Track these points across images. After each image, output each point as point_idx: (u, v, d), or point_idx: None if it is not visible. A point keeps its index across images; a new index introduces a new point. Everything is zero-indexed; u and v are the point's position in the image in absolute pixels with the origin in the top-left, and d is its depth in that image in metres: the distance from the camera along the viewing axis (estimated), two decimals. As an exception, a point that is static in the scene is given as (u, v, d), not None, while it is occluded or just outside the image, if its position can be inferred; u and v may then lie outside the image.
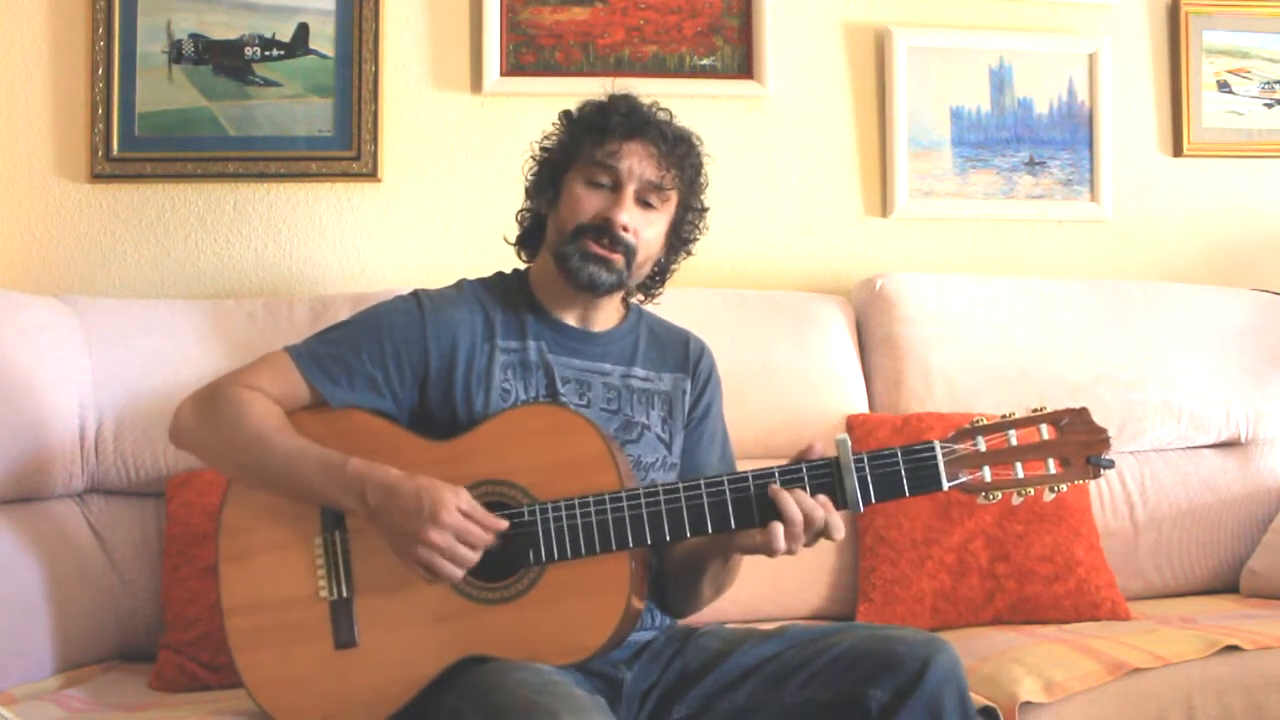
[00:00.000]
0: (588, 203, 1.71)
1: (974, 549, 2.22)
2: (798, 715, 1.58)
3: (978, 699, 1.71)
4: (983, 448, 1.55)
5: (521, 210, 1.86)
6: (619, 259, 1.70)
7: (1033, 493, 1.55)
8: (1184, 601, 2.36)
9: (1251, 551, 2.45)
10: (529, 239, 1.84)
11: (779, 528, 1.52)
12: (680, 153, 1.74)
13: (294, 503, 1.63)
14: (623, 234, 1.70)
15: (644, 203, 1.73)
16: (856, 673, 1.55)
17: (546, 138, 1.82)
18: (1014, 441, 1.55)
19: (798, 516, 1.52)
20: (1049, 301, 2.55)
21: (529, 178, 1.83)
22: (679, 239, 1.82)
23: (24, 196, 2.51)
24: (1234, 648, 1.85)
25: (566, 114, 1.80)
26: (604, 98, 1.77)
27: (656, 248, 1.77)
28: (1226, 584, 2.46)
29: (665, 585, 1.77)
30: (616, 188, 1.71)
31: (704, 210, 1.83)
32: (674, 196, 1.76)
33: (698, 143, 1.79)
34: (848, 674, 1.55)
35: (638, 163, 1.71)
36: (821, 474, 1.55)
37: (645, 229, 1.73)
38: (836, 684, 1.56)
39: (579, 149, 1.74)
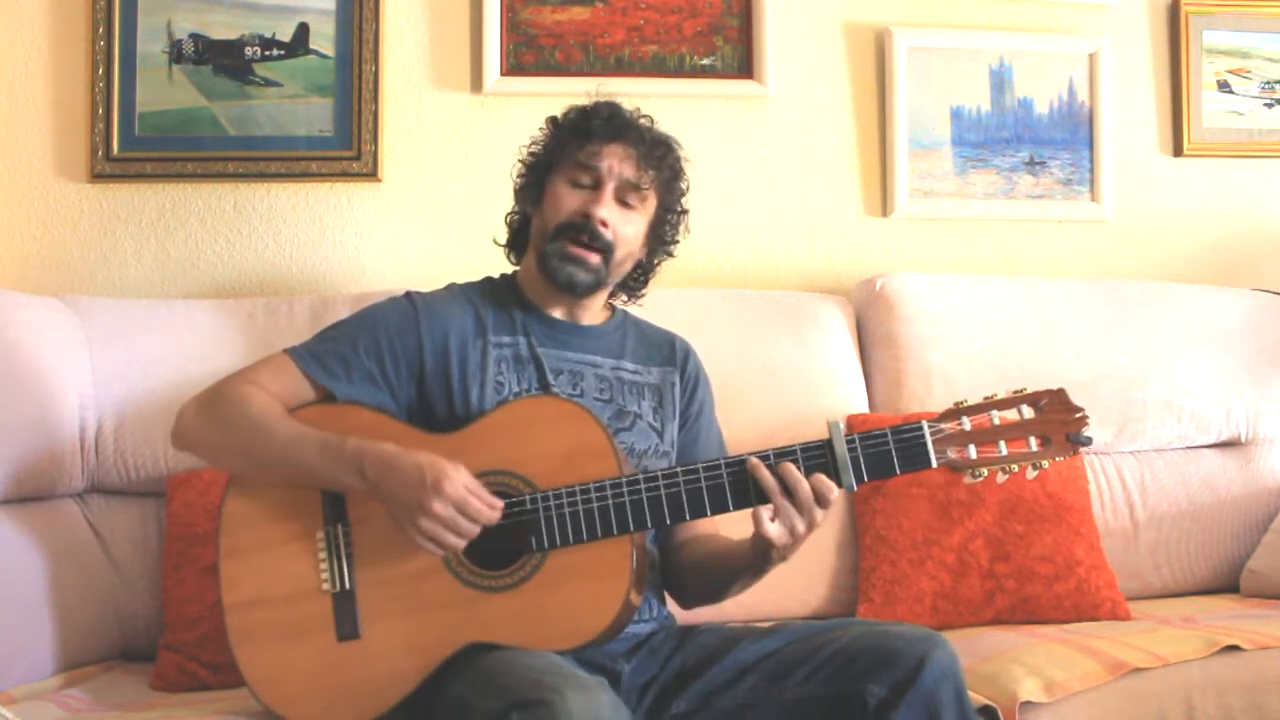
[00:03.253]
0: (568, 200, 1.79)
1: (974, 549, 2.22)
2: (796, 711, 1.59)
3: (978, 699, 1.71)
4: (967, 427, 1.61)
5: (510, 213, 1.93)
6: (596, 258, 1.77)
7: (1016, 469, 1.61)
8: (1184, 601, 2.36)
9: (1251, 551, 2.45)
10: (516, 241, 1.92)
11: (761, 511, 1.58)
12: (659, 154, 1.82)
13: (295, 496, 1.65)
14: (601, 230, 1.77)
15: (623, 202, 1.79)
16: (854, 668, 1.56)
17: (534, 143, 1.90)
18: (997, 421, 1.61)
19: (772, 484, 1.57)
20: (1049, 301, 2.55)
21: (515, 181, 1.90)
22: (658, 240, 1.88)
23: (24, 196, 2.51)
24: (1234, 648, 1.85)
25: (552, 119, 1.88)
26: (588, 102, 1.85)
27: (635, 245, 1.84)
28: (1226, 584, 2.46)
29: (685, 582, 1.82)
30: (597, 186, 1.79)
31: (683, 212, 1.90)
32: (652, 197, 1.83)
33: (677, 147, 1.86)
34: (846, 670, 1.56)
35: (617, 163, 1.79)
36: (815, 454, 1.60)
37: (624, 226, 1.79)
38: (835, 680, 1.57)
39: (562, 151, 1.82)
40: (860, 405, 2.45)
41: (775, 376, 2.38)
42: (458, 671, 1.56)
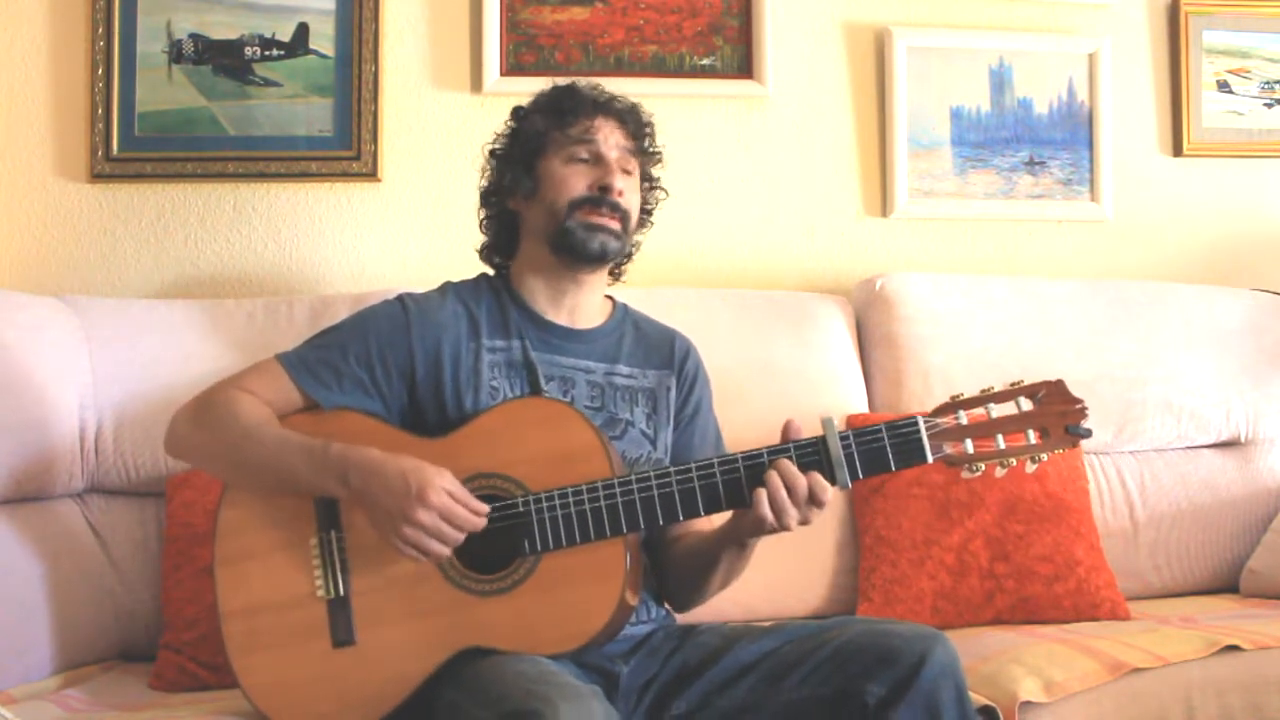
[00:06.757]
0: (576, 178, 1.78)
1: (974, 549, 2.22)
2: (796, 710, 1.58)
3: (978, 699, 1.71)
4: (964, 421, 1.59)
5: (485, 218, 1.90)
6: (618, 224, 1.78)
7: (1015, 463, 1.59)
8: (1184, 601, 2.37)
9: (1251, 551, 2.45)
10: (500, 243, 1.89)
11: (761, 493, 1.56)
12: (641, 121, 1.85)
13: (289, 503, 1.64)
14: (619, 199, 1.77)
15: (625, 170, 1.81)
16: (854, 667, 1.55)
17: (499, 138, 1.89)
18: (994, 414, 1.59)
19: (777, 482, 1.55)
20: (1049, 301, 2.55)
21: (490, 179, 1.89)
22: (643, 210, 1.89)
23: (24, 196, 2.51)
24: (1234, 648, 1.85)
25: (519, 109, 1.88)
26: (553, 88, 1.85)
27: (637, 214, 1.86)
28: (1226, 584, 2.46)
29: (672, 577, 1.80)
30: (598, 160, 1.79)
31: (658, 179, 1.91)
32: (639, 165, 1.85)
33: (648, 115, 1.88)
34: (845, 669, 1.56)
35: (611, 133, 1.80)
36: (809, 452, 1.58)
37: (630, 194, 1.82)
38: (834, 679, 1.56)
39: (551, 133, 1.81)
40: (860, 405, 2.45)
41: (775, 376, 2.37)
42: (453, 677, 1.56)
